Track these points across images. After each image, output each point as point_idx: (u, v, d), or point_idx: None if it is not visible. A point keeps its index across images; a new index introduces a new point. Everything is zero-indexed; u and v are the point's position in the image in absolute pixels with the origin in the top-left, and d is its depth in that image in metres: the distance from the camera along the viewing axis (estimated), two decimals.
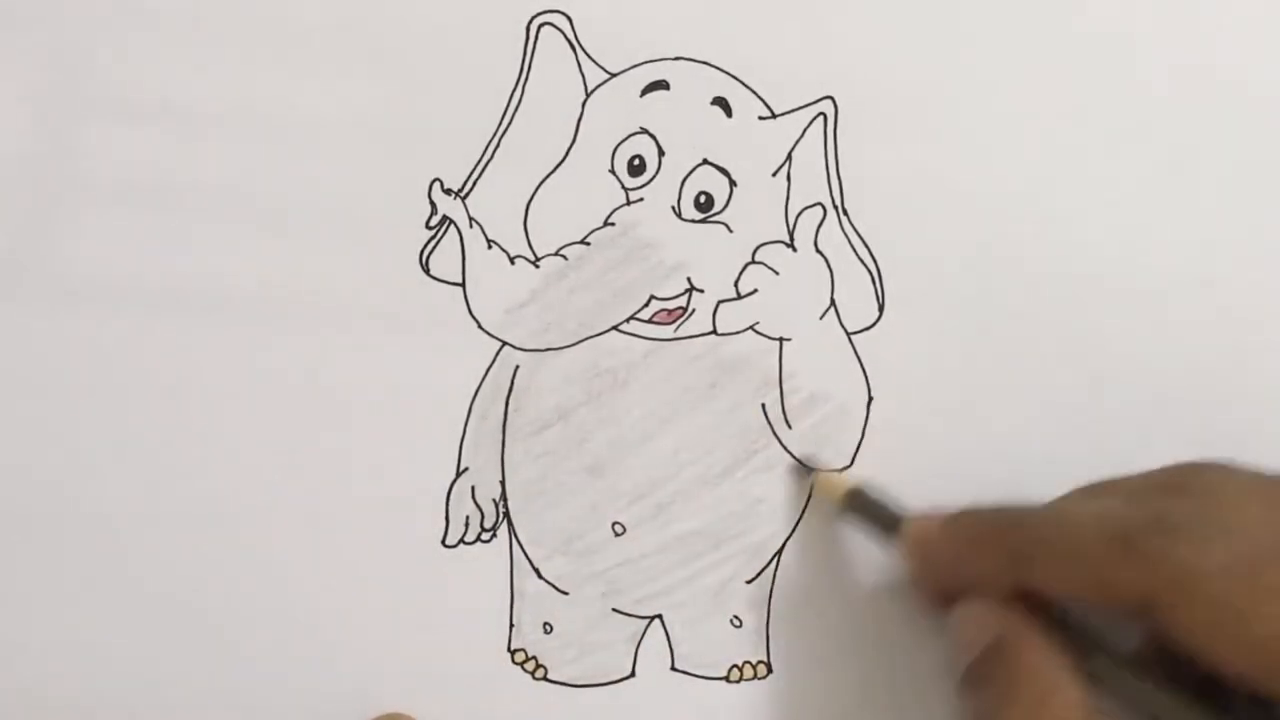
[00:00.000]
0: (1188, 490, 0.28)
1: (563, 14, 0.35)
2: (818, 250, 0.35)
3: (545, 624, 0.34)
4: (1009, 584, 0.30)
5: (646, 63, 0.35)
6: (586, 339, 0.35)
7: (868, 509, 0.33)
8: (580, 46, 0.35)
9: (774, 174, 0.35)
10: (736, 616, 0.35)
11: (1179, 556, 0.26)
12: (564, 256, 0.35)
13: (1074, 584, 0.28)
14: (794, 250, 0.35)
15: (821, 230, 0.35)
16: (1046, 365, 0.35)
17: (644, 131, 0.35)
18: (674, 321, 0.35)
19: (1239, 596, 0.26)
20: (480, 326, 0.34)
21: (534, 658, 0.34)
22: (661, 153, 0.35)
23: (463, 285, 0.35)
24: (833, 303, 0.35)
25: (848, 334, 0.35)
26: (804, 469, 0.34)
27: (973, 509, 0.31)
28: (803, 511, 0.35)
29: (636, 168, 0.35)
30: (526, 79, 0.35)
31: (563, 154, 0.35)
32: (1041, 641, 0.29)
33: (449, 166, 0.35)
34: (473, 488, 0.34)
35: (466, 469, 0.34)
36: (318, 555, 0.34)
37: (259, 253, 0.34)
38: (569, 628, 0.34)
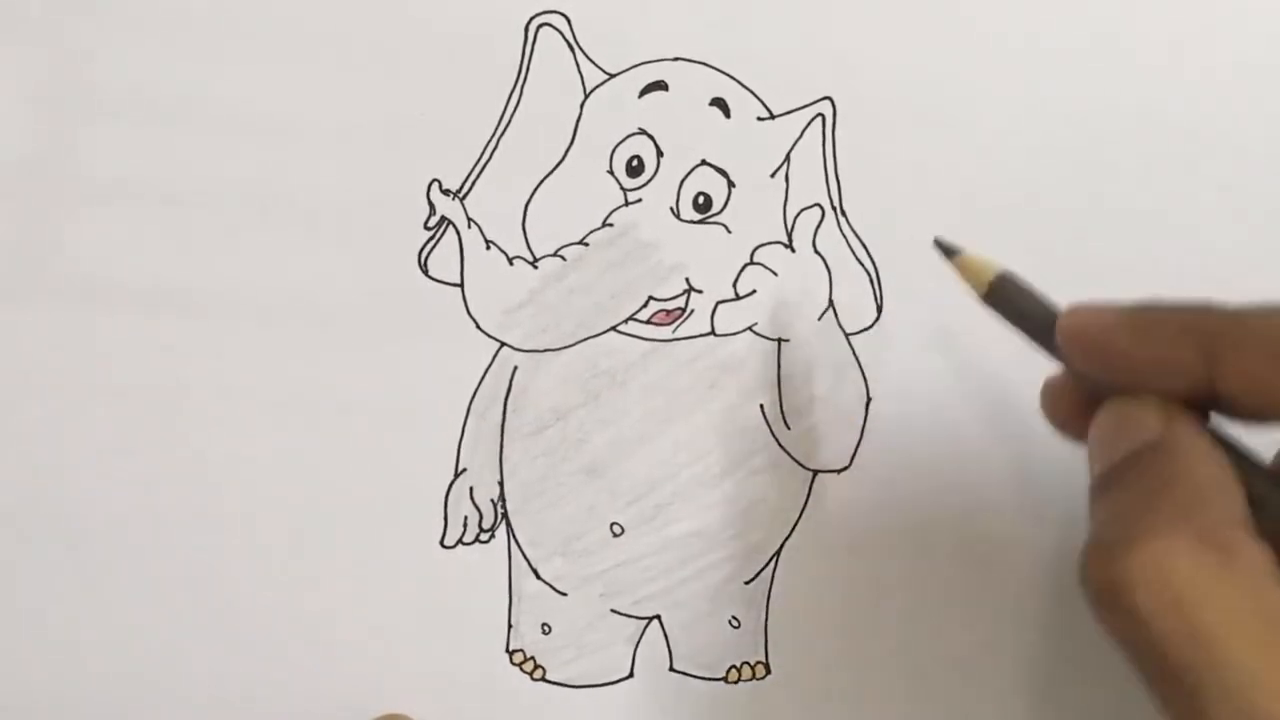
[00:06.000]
0: None
1: (561, 14, 0.34)
2: (816, 251, 0.35)
3: (544, 625, 0.34)
4: (1189, 383, 0.26)
5: (645, 63, 0.35)
6: (585, 340, 0.35)
7: (1016, 297, 0.30)
8: (579, 47, 0.35)
9: (772, 175, 0.35)
10: (735, 617, 0.35)
11: None
12: (562, 257, 0.35)
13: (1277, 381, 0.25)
14: (792, 251, 0.35)
15: (820, 231, 0.35)
16: (1046, 366, 0.35)
17: (642, 132, 0.35)
18: (672, 322, 0.35)
19: None
20: (479, 327, 0.34)
21: (532, 658, 0.34)
22: (660, 153, 0.35)
23: (461, 286, 0.34)
24: (831, 303, 0.35)
25: (846, 335, 0.35)
26: (947, 250, 0.31)
27: (1160, 300, 0.28)
28: (801, 512, 0.35)
29: (635, 168, 0.35)
30: (525, 79, 0.35)
31: (561, 155, 0.35)
32: (1210, 448, 0.26)
33: (447, 167, 0.35)
34: (471, 488, 0.34)
35: (465, 470, 0.34)
36: (316, 556, 0.34)
37: (257, 253, 0.34)
38: (567, 628, 0.35)
